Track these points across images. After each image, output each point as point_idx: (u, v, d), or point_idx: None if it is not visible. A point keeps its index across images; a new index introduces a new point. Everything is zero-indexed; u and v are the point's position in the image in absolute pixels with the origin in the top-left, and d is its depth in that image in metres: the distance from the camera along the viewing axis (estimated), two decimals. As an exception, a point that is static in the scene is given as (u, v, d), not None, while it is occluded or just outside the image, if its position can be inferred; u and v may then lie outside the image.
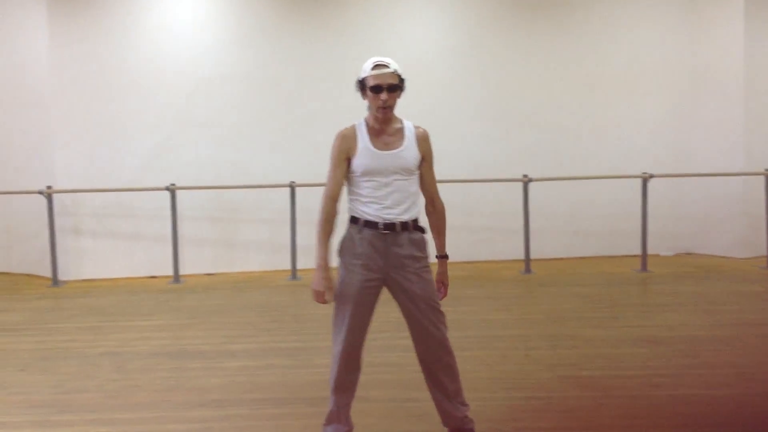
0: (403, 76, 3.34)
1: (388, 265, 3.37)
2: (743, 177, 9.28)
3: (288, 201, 8.67)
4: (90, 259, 9.04)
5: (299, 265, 8.84)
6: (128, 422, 4.06)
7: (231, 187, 8.99)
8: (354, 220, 3.43)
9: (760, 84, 9.39)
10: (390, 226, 3.34)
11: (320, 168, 9.32)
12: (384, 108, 3.29)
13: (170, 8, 8.94)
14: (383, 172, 3.32)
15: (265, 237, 9.36)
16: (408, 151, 3.36)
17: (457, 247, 10.11)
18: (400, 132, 3.40)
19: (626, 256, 9.63)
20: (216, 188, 9.04)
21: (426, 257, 3.44)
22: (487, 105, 9.52)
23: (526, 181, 8.75)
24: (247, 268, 9.33)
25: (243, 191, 9.10)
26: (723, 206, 9.60)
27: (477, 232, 9.57)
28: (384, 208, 3.33)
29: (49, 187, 8.51)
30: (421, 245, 3.43)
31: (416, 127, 3.45)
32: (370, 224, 3.35)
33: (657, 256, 9.66)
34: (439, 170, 9.33)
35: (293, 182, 8.62)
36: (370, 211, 3.35)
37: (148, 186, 8.77)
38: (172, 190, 8.55)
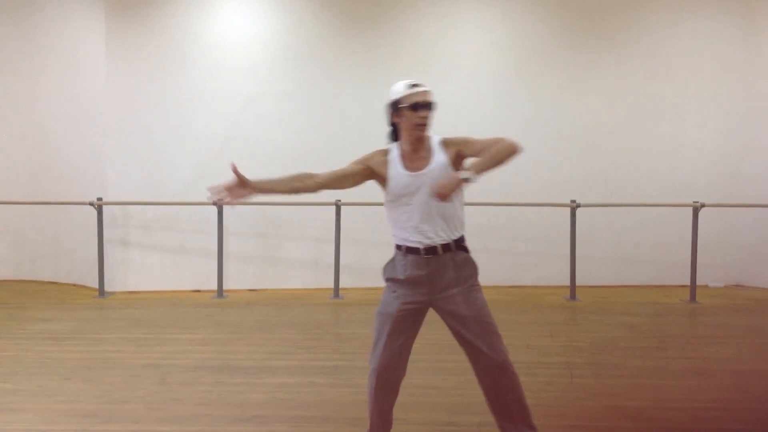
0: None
1: (432, 290, 3.34)
2: (798, 208, 9.07)
3: (333, 219, 8.70)
4: (136, 272, 9.16)
5: (342, 284, 8.86)
6: (169, 435, 4.08)
7: (277, 204, 9.04)
8: (398, 246, 3.42)
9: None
10: (431, 250, 3.31)
11: (366, 187, 9.32)
12: (422, 125, 3.30)
13: (223, 26, 9.07)
14: (417, 193, 3.31)
15: (309, 255, 9.38)
16: (437, 167, 3.31)
17: (502, 271, 10.15)
18: (430, 150, 3.38)
19: (675, 286, 9.46)
20: (262, 204, 9.09)
21: (472, 276, 3.39)
22: (537, 129, 9.46)
23: (574, 207, 8.65)
24: (290, 285, 9.37)
25: (289, 208, 9.15)
26: (776, 238, 9.40)
27: (522, 256, 9.49)
28: (423, 231, 3.31)
29: (99, 199, 8.65)
30: (466, 266, 3.37)
31: (441, 139, 3.41)
32: (412, 250, 3.34)
33: (706, 287, 9.46)
34: (486, 192, 9.26)
35: (339, 200, 8.64)
36: (410, 237, 3.34)
37: (195, 200, 8.87)
38: (219, 205, 8.62)
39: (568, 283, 8.76)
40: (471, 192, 8.78)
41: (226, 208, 8.73)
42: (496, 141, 3.16)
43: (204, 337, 6.59)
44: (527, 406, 3.44)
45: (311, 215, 9.21)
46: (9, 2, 9.59)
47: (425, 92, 3.31)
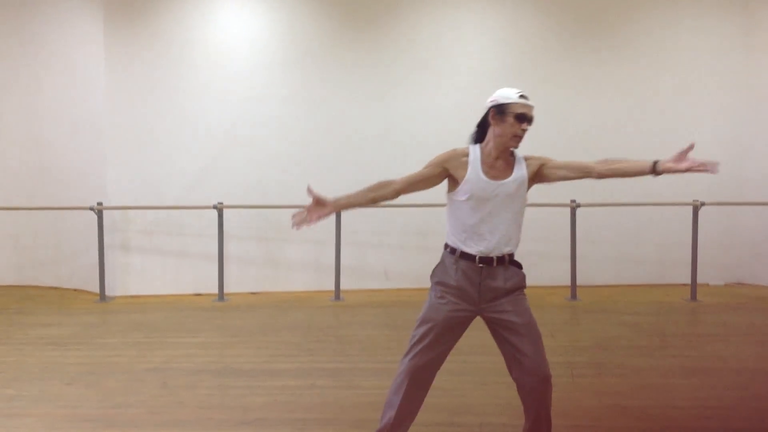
0: None
1: (481, 299, 3.34)
2: (798, 206, 9.07)
3: (333, 221, 8.69)
4: (137, 276, 9.16)
5: (343, 286, 8.85)
6: (171, 438, 4.08)
7: (277, 207, 9.04)
8: (451, 249, 3.41)
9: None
10: (487, 260, 3.32)
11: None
12: (519, 138, 3.32)
13: (222, 30, 9.07)
14: (489, 201, 3.31)
15: (309, 257, 9.38)
16: (516, 180, 3.35)
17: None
18: (512, 163, 3.40)
19: (675, 284, 9.45)
20: (262, 207, 9.10)
21: (520, 287, 3.40)
22: (536, 129, 9.39)
23: (574, 207, 8.65)
24: (290, 288, 9.36)
25: (289, 211, 9.11)
26: (776, 236, 9.38)
27: (523, 256, 9.37)
28: (483, 240, 3.32)
29: (99, 204, 8.65)
30: (516, 280, 3.39)
31: (523, 155, 3.45)
32: (467, 256, 3.34)
33: (707, 285, 9.46)
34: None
35: (339, 203, 8.61)
36: (469, 241, 3.34)
37: (195, 204, 8.88)
38: (219, 208, 8.63)
39: (569, 283, 8.76)
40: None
41: (226, 212, 8.73)
42: (590, 163, 3.33)
43: (205, 340, 6.59)
44: (551, 417, 3.44)
45: (311, 218, 9.20)
46: (8, 10, 9.59)
47: (531, 106, 3.33)
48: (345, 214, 8.72)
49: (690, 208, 8.69)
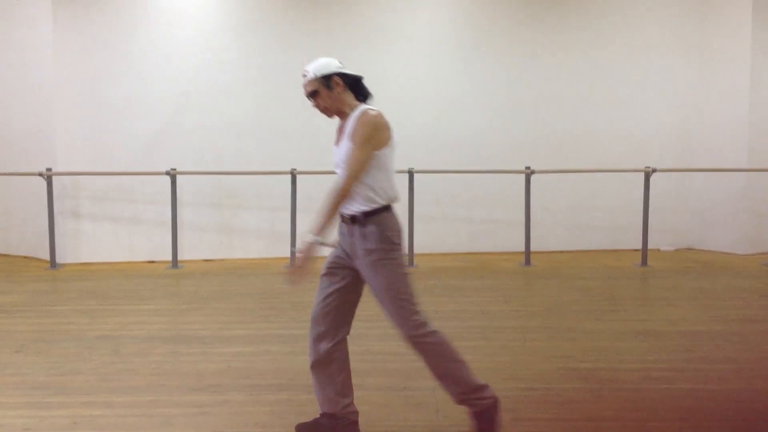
0: (325, 73, 3.38)
1: (352, 254, 3.49)
2: (747, 173, 9.24)
3: (288, 188, 8.64)
4: (89, 243, 9.01)
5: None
6: (123, 405, 4.03)
7: (231, 173, 8.95)
8: None
9: (765, 80, 9.32)
10: (344, 218, 3.51)
11: (321, 156, 9.27)
12: (322, 111, 3.47)
13: (174, -8, 8.90)
14: (336, 165, 3.48)
15: (264, 224, 9.32)
16: (344, 144, 3.40)
17: (458, 238, 10.21)
18: (345, 128, 3.43)
19: (627, 250, 9.61)
20: (216, 174, 9.00)
21: (379, 249, 3.37)
22: (491, 96, 9.47)
23: (529, 173, 8.71)
24: (246, 255, 9.31)
25: (243, 177, 9.06)
26: (726, 202, 9.56)
27: (478, 223, 9.54)
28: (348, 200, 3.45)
29: (48, 170, 8.47)
30: (372, 238, 3.38)
31: (361, 113, 3.37)
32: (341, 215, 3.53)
33: (657, 251, 9.62)
34: (442, 160, 9.36)
35: (294, 169, 8.58)
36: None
37: (148, 170, 8.74)
38: (172, 174, 8.51)
39: (523, 248, 8.84)
40: (428, 161, 8.79)
41: (179, 178, 8.62)
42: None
43: (158, 307, 6.53)
44: (446, 376, 3.44)
45: (266, 184, 9.14)
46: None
47: (304, 85, 3.43)
48: (300, 182, 8.66)
49: (642, 175, 8.80)
